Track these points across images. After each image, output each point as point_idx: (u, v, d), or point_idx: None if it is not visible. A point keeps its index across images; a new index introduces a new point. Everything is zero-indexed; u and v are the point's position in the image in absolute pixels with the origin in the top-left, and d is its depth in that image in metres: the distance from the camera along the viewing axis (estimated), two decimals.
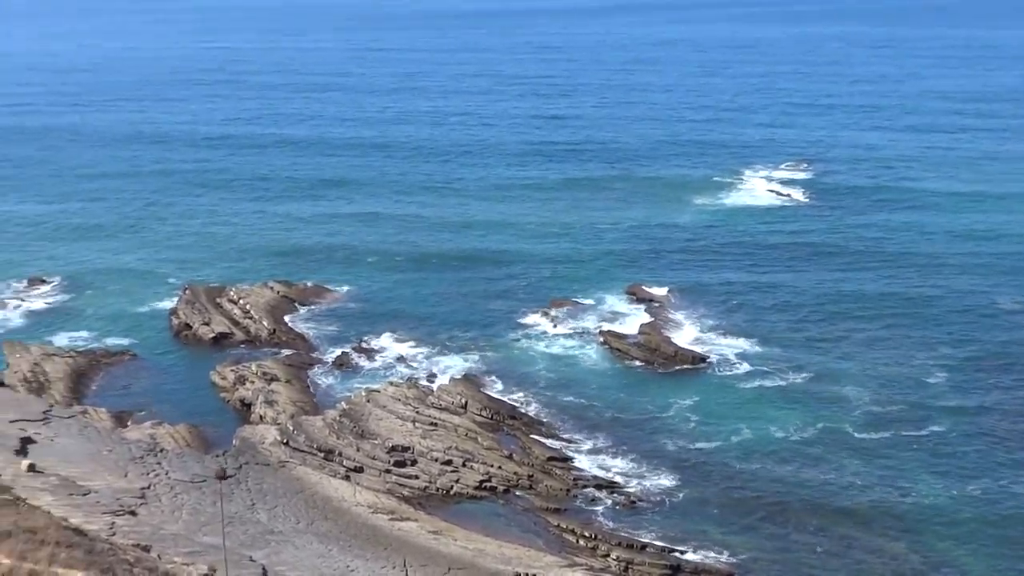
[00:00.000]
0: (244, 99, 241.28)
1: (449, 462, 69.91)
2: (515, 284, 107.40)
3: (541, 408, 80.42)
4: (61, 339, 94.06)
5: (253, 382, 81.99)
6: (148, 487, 57.58)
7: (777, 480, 69.59)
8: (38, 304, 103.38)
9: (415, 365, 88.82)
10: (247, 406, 79.78)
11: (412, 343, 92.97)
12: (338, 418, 74.18)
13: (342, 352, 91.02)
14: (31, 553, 23.25)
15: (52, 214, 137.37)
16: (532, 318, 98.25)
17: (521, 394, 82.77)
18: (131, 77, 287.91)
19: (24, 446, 58.89)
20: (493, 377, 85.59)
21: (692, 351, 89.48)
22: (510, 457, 70.94)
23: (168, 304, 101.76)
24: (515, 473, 69.28)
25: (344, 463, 69.95)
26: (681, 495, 68.02)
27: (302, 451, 70.78)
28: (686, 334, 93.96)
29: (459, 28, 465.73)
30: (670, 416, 78.81)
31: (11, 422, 63.46)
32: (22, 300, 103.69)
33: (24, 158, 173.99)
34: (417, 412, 75.57)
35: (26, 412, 66.73)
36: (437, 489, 68.28)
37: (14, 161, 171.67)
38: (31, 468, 53.69)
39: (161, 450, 65.71)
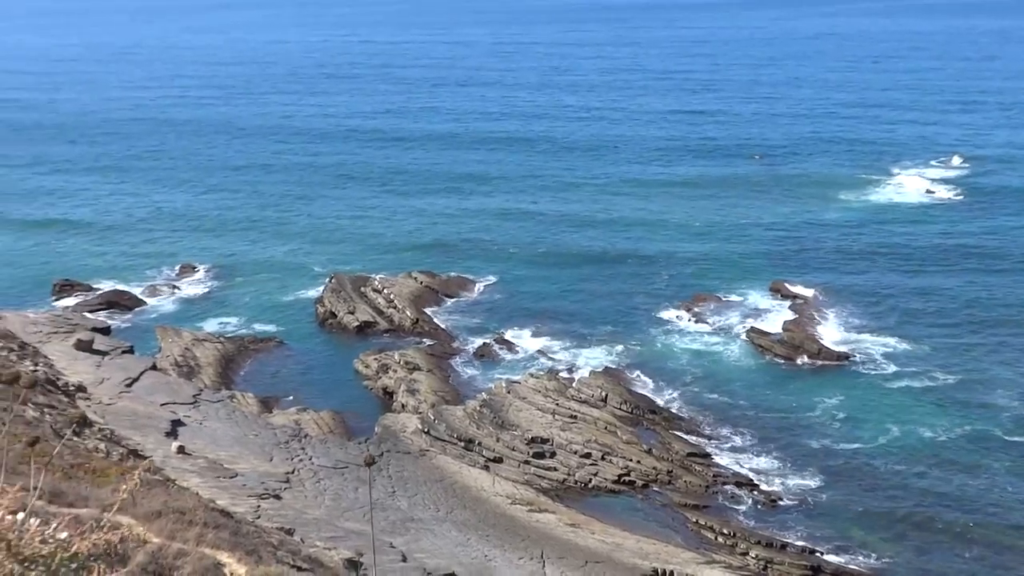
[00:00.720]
0: (388, 93, 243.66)
1: (588, 455, 69.75)
2: (657, 279, 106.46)
3: (682, 403, 79.77)
4: (211, 325, 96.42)
5: (396, 371, 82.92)
6: (292, 472, 58.62)
7: (923, 483, 67.83)
8: (189, 291, 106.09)
9: (555, 357, 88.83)
10: (389, 394, 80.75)
11: (552, 335, 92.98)
12: (478, 408, 74.58)
13: (483, 343, 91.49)
14: (180, 533, 23.69)
15: (203, 205, 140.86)
16: (674, 313, 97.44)
17: (662, 389, 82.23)
18: (279, 70, 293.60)
19: (174, 428, 60.46)
20: (634, 372, 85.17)
21: (837, 350, 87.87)
22: (649, 452, 70.48)
23: (314, 292, 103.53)
24: (654, 468, 68.83)
25: (483, 453, 70.32)
26: (824, 495, 66.78)
27: (442, 440, 71.35)
28: (831, 332, 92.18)
29: (603, 22, 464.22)
30: (814, 415, 77.41)
31: (162, 405, 65.22)
32: (174, 287, 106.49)
33: (177, 150, 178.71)
34: (557, 404, 75.54)
35: (177, 395, 68.50)
36: (575, 482, 68.20)
37: (168, 153, 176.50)
38: (180, 450, 55.10)
39: (305, 436, 66.84)
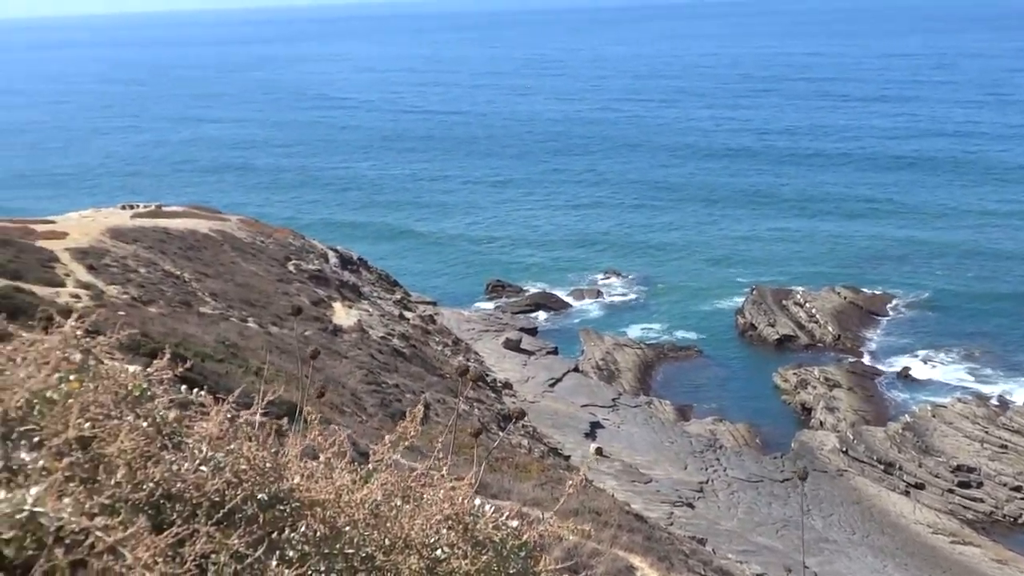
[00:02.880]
0: (811, 109, 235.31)
1: (1019, 488, 65.70)
2: None
3: None
4: (633, 331, 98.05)
5: (815, 387, 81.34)
6: (706, 481, 58.80)
7: None
8: (613, 297, 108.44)
9: (985, 383, 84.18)
10: (807, 410, 79.28)
11: (983, 360, 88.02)
12: (900, 431, 71.89)
13: (907, 363, 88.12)
14: (595, 533, 24.33)
15: (629, 216, 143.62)
16: None
17: None
18: (704, 83, 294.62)
19: (593, 430, 62.15)
20: None
21: None
22: None
23: (734, 303, 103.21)
24: None
25: (904, 478, 67.73)
26: None
27: (861, 461, 69.31)
28: None
29: None
30: None
31: (583, 406, 67.23)
32: (599, 292, 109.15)
33: (603, 165, 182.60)
34: (986, 432, 71.59)
35: (597, 398, 70.40)
36: (1004, 515, 64.44)
37: (593, 167, 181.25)
38: (598, 452, 56.51)
39: (720, 446, 66.87)
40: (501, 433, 43.84)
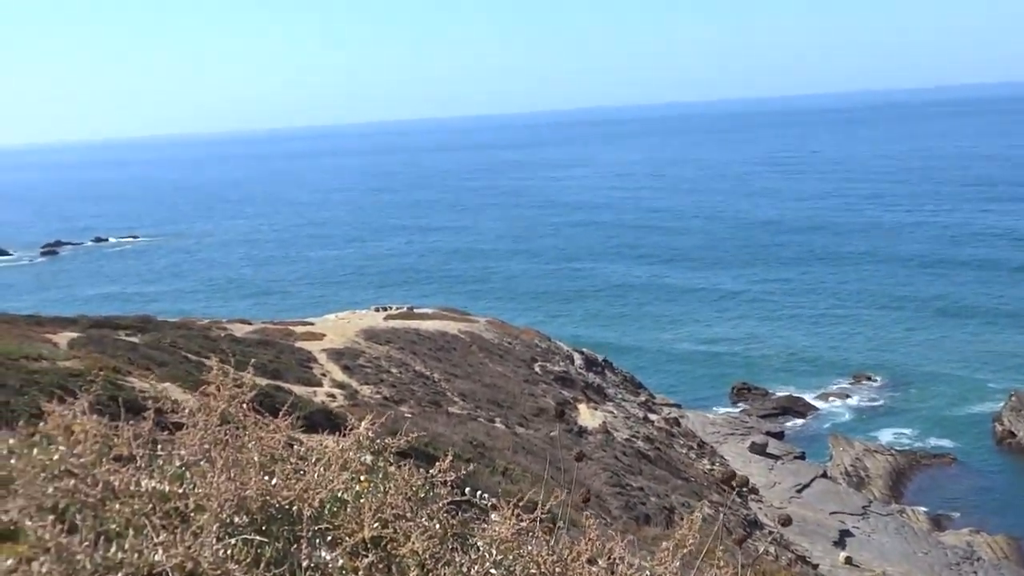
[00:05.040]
0: None
1: None
2: None
3: None
4: (884, 436, 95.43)
5: None
6: None
7: None
8: (862, 400, 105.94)
9: None
10: None
11: None
12: None
13: None
14: None
15: (880, 323, 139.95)
16: None
17: None
18: (955, 186, 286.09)
19: (842, 538, 60.87)
20: None
21: None
22: None
23: (990, 410, 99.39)
24: None
25: None
26: None
27: None
28: None
29: None
30: None
31: (831, 513, 65.91)
32: (847, 395, 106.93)
33: (843, 271, 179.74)
34: None
35: (846, 505, 68.91)
36: None
37: (836, 276, 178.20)
38: (848, 561, 55.38)
39: (978, 559, 64.38)
40: (750, 540, 43.74)
